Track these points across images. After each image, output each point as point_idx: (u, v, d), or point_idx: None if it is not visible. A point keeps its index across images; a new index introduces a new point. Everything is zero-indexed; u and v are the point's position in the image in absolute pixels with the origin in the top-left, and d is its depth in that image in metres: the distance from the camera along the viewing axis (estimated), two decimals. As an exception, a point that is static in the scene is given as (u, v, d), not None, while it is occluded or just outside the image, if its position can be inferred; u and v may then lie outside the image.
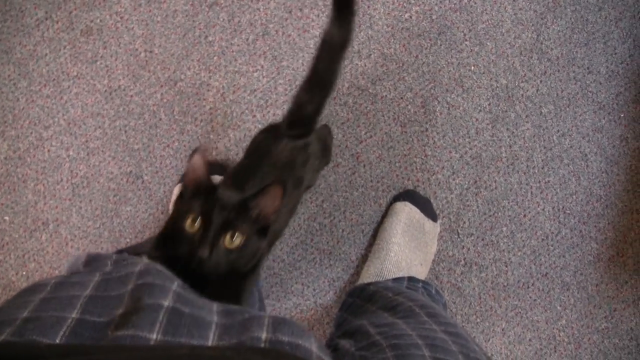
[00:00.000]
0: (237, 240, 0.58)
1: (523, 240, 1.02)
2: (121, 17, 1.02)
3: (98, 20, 1.02)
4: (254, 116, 1.02)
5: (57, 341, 0.35)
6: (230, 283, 0.61)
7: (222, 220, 0.58)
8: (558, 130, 1.03)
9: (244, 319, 0.41)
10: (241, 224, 0.59)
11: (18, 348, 0.33)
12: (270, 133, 0.78)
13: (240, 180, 0.73)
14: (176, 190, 0.98)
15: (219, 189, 0.62)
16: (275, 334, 0.39)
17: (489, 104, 1.03)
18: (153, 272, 0.42)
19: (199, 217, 0.57)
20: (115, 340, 0.36)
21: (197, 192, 0.60)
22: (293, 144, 0.76)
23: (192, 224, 0.57)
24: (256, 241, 0.62)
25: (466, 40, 1.03)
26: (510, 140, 1.03)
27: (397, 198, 1.00)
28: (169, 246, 0.59)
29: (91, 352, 0.33)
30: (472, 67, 1.03)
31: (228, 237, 0.58)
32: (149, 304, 0.38)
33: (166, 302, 0.39)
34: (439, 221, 1.01)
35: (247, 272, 0.63)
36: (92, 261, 0.52)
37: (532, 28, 1.04)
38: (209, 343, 0.38)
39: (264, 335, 0.39)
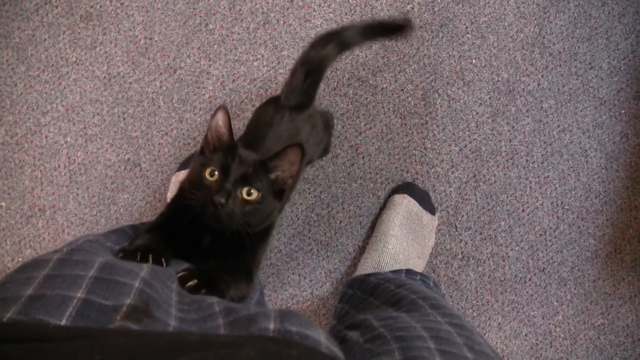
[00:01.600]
0: (254, 195, 0.60)
1: (521, 235, 1.02)
2: (121, 3, 1.01)
3: (98, 6, 1.02)
4: (254, 105, 1.01)
5: (64, 321, 0.35)
6: (242, 244, 0.63)
7: (240, 175, 0.60)
8: (558, 126, 1.03)
9: (250, 314, 0.41)
10: (258, 182, 0.61)
11: (26, 328, 0.33)
12: (271, 105, 0.78)
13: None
14: (174, 179, 0.98)
15: (240, 147, 0.63)
16: (284, 325, 0.39)
17: (490, 98, 1.02)
18: (155, 288, 0.42)
19: (218, 169, 0.60)
20: (124, 328, 0.35)
21: (218, 149, 0.62)
22: (295, 115, 0.76)
23: (210, 175, 0.60)
24: (272, 201, 0.64)
25: (468, 33, 1.03)
26: (510, 134, 1.02)
27: (396, 190, 0.99)
28: (187, 198, 0.61)
29: (99, 336, 0.33)
30: (474, 60, 1.02)
31: (245, 190, 0.60)
32: (158, 317, 0.38)
33: (172, 322, 0.39)
34: (437, 214, 1.00)
35: (258, 235, 0.65)
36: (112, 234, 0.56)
37: (535, 22, 1.03)
38: None
39: (272, 326, 0.38)
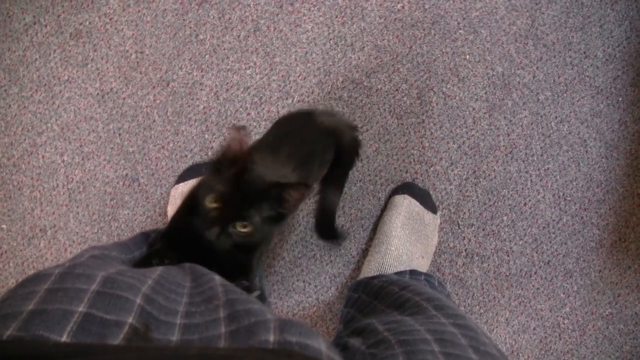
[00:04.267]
0: (248, 229, 0.61)
1: (524, 229, 1.01)
2: (110, 19, 1.01)
3: (87, 23, 1.01)
4: (249, 114, 1.01)
5: (64, 336, 0.35)
6: (239, 257, 0.65)
7: (239, 207, 0.61)
8: (556, 117, 1.02)
9: (250, 324, 0.41)
10: (256, 216, 0.61)
11: (25, 346, 0.33)
12: (303, 118, 0.82)
13: (269, 158, 0.75)
14: (173, 192, 0.98)
15: (248, 171, 0.63)
16: (283, 335, 0.39)
17: (486, 93, 1.02)
18: (157, 305, 0.42)
19: (219, 199, 0.61)
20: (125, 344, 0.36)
21: (231, 166, 0.62)
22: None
23: (210, 202, 0.61)
24: (267, 228, 0.64)
25: (460, 29, 1.02)
26: (508, 128, 1.02)
27: (396, 191, 0.99)
28: (188, 217, 0.63)
29: (99, 352, 0.33)
30: (467, 56, 1.02)
31: (239, 224, 0.61)
32: (158, 340, 0.38)
33: (174, 338, 0.39)
34: (439, 213, 1.00)
35: (256, 245, 0.67)
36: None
37: (527, 14, 1.02)
38: None
39: (271, 338, 0.38)
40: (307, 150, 0.79)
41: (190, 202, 0.64)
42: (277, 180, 0.65)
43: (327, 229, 0.92)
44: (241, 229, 0.61)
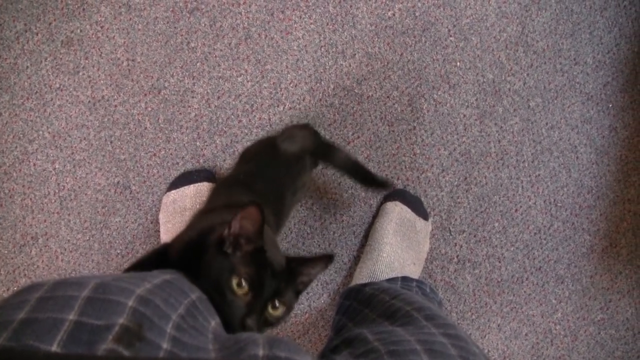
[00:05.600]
0: (280, 310, 0.58)
1: (515, 235, 1.01)
2: (101, 27, 1.01)
3: (78, 31, 1.01)
4: (240, 121, 1.01)
5: (54, 346, 0.35)
6: None
7: (270, 290, 0.56)
8: (547, 123, 1.03)
9: (239, 347, 0.41)
10: (287, 295, 0.58)
11: (15, 356, 0.32)
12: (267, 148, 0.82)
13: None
14: (165, 199, 0.98)
15: (267, 249, 0.58)
16: (272, 351, 0.39)
17: (476, 100, 1.02)
18: (152, 306, 0.42)
19: (248, 283, 0.55)
20: (115, 353, 0.35)
21: (241, 243, 0.57)
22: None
23: (238, 286, 0.55)
24: (293, 307, 0.61)
25: (451, 36, 1.02)
26: (498, 135, 1.02)
27: (387, 198, 0.99)
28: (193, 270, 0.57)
29: None
30: (458, 63, 1.02)
31: (273, 307, 0.57)
32: (150, 340, 0.38)
33: (164, 345, 0.39)
34: (431, 219, 1.00)
35: None
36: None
37: (517, 21, 1.03)
38: None
39: (261, 352, 0.38)
40: (277, 184, 0.78)
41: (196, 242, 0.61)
42: (296, 256, 0.62)
43: (369, 178, 0.89)
44: (275, 312, 0.57)
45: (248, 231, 0.56)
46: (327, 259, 0.60)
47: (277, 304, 0.57)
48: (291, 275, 0.59)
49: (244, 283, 0.55)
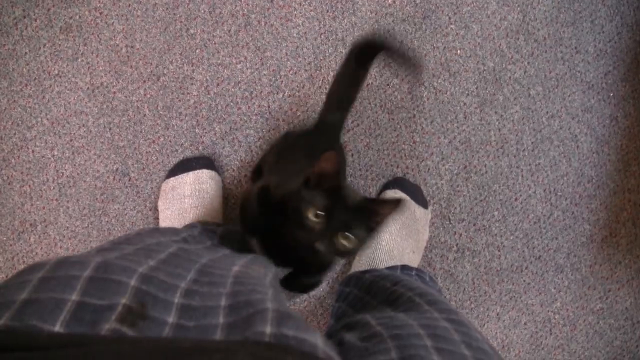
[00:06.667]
0: (350, 241, 0.62)
1: (515, 224, 1.01)
2: (100, 13, 1.01)
3: (77, 17, 1.01)
4: (239, 108, 1.00)
5: (57, 326, 0.34)
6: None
7: (343, 221, 0.62)
8: (547, 112, 1.02)
9: (248, 314, 0.40)
10: (358, 229, 0.63)
11: (18, 336, 0.32)
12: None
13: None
14: (164, 186, 0.97)
15: (344, 189, 0.65)
16: (280, 329, 0.38)
17: (477, 88, 1.02)
18: (155, 282, 0.41)
19: (323, 212, 0.62)
20: (118, 333, 0.35)
21: (320, 183, 0.64)
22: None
23: (314, 216, 0.62)
24: (366, 240, 0.66)
25: (451, 23, 1.02)
26: (499, 123, 1.02)
27: (387, 186, 0.99)
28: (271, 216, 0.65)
29: (91, 343, 0.32)
30: (458, 51, 1.02)
31: (344, 237, 0.62)
32: (154, 317, 0.38)
33: (170, 319, 0.39)
34: (430, 208, 1.00)
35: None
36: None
37: (518, 9, 1.02)
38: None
39: (268, 330, 0.38)
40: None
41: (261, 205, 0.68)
42: (371, 197, 0.67)
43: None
44: (345, 241, 0.62)
45: (328, 172, 0.63)
46: (397, 202, 0.64)
47: (348, 235, 0.62)
48: (365, 213, 0.64)
49: (318, 213, 0.61)
